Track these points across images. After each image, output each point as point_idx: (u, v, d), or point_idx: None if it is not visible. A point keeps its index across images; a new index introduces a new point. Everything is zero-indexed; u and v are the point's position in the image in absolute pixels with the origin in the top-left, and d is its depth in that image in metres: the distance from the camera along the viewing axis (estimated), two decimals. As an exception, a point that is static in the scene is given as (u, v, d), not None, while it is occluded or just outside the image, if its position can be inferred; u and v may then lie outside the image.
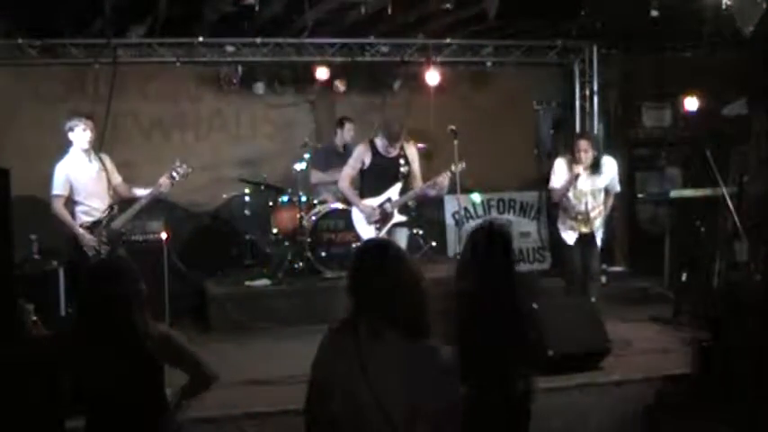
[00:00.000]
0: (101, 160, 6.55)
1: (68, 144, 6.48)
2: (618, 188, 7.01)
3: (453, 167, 6.64)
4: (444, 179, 6.63)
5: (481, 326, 3.46)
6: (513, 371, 3.56)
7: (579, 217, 6.81)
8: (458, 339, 3.34)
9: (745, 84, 8.96)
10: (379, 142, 6.74)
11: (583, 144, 6.76)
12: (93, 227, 6.34)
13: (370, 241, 3.17)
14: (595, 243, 6.92)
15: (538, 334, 3.87)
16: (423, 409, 2.80)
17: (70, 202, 6.34)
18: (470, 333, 3.42)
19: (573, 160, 6.76)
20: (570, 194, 6.81)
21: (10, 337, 3.52)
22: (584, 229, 6.84)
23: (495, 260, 3.62)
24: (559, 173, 6.87)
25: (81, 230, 6.28)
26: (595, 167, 6.76)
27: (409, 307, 2.87)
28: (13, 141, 8.22)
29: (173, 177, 6.44)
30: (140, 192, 6.56)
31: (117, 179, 6.61)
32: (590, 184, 6.79)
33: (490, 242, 3.65)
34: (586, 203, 6.77)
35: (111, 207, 6.47)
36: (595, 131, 9.60)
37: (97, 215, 6.40)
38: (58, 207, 6.29)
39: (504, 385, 3.49)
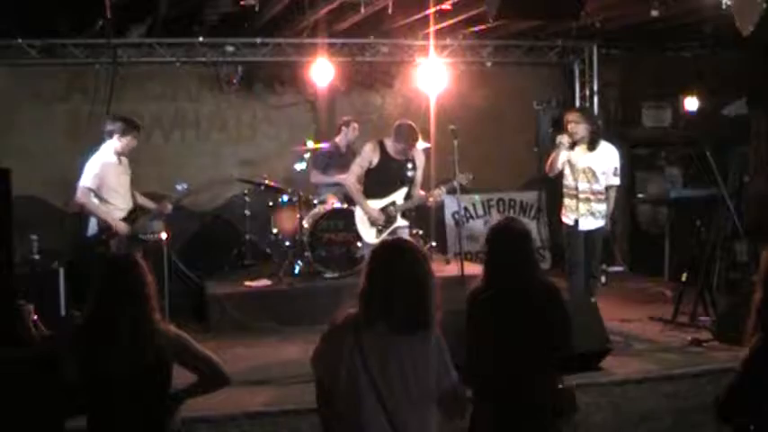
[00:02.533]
0: (126, 165, 6.70)
1: (101, 140, 6.61)
2: (616, 181, 6.73)
3: (461, 179, 6.67)
4: (440, 194, 6.88)
5: (514, 326, 3.42)
6: (551, 369, 3.52)
7: (573, 194, 6.58)
8: (486, 340, 3.33)
9: (745, 84, 8.97)
10: (389, 144, 6.72)
11: (569, 116, 6.67)
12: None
13: (390, 242, 3.20)
14: (596, 238, 6.69)
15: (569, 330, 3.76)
16: (427, 395, 2.88)
17: (93, 197, 6.44)
18: (502, 333, 3.40)
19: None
20: (567, 171, 6.64)
21: (10, 338, 3.52)
22: (583, 214, 6.58)
23: (516, 259, 3.56)
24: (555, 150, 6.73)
25: (111, 217, 6.40)
26: (591, 145, 6.61)
27: (427, 304, 2.90)
28: (13, 141, 8.23)
29: (179, 196, 6.94)
30: (141, 200, 6.82)
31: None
32: (585, 161, 6.59)
33: (508, 240, 3.59)
34: (578, 182, 6.58)
35: (134, 209, 6.64)
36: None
37: (119, 214, 6.50)
38: (86, 198, 6.39)
39: (542, 385, 3.47)
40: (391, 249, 3.07)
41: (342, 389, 2.88)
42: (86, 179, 6.42)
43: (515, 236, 3.60)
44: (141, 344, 3.20)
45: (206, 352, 3.41)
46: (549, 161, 6.68)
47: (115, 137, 6.51)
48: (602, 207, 6.67)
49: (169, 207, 6.87)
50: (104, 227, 6.45)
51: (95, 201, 6.43)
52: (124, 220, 6.54)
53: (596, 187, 6.65)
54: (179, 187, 6.99)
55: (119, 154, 6.56)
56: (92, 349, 3.21)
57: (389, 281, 2.90)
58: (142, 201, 6.86)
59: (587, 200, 6.63)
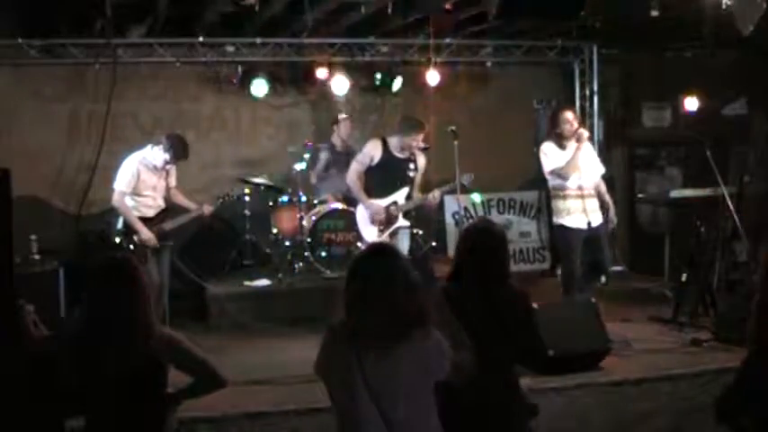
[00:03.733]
0: (168, 169, 6.69)
1: (144, 143, 6.69)
2: (602, 168, 6.82)
3: (463, 179, 6.66)
4: (437, 197, 6.79)
5: (476, 325, 3.45)
6: (510, 370, 3.56)
7: (579, 194, 6.55)
8: (452, 339, 3.34)
9: (745, 84, 8.97)
10: (393, 141, 6.71)
11: (569, 114, 6.62)
12: (144, 222, 6.51)
13: (364, 251, 3.20)
14: (600, 235, 6.65)
15: (537, 334, 3.89)
16: (428, 396, 2.90)
17: (127, 198, 6.49)
18: (466, 332, 3.41)
19: (560, 139, 6.58)
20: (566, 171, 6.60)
21: (10, 338, 3.52)
22: (593, 211, 6.58)
23: (489, 259, 3.60)
24: (552, 154, 6.62)
25: (142, 225, 6.43)
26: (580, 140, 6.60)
27: (398, 309, 2.90)
28: (13, 141, 8.23)
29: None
30: (181, 200, 6.86)
31: (172, 183, 6.79)
32: (582, 158, 6.57)
33: (484, 241, 3.64)
34: (581, 180, 6.57)
35: (165, 208, 6.65)
36: (595, 131, 9.62)
37: (148, 212, 6.53)
38: (121, 201, 6.45)
39: (501, 384, 3.49)
40: (367, 258, 3.07)
41: (341, 395, 2.89)
42: (120, 182, 6.45)
43: (495, 237, 3.66)
44: (136, 346, 3.19)
45: (202, 355, 3.40)
46: (573, 163, 6.51)
47: (158, 147, 6.53)
48: (597, 201, 6.74)
49: (209, 209, 6.88)
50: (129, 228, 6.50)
51: (130, 202, 6.47)
52: (152, 218, 6.54)
53: (592, 183, 6.72)
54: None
55: (155, 161, 6.57)
56: (87, 350, 3.20)
57: (369, 290, 2.90)
58: (183, 201, 6.87)
59: (591, 195, 6.66)
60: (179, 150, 6.55)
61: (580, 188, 6.60)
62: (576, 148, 6.52)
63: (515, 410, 3.52)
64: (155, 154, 6.52)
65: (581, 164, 6.59)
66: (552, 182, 6.72)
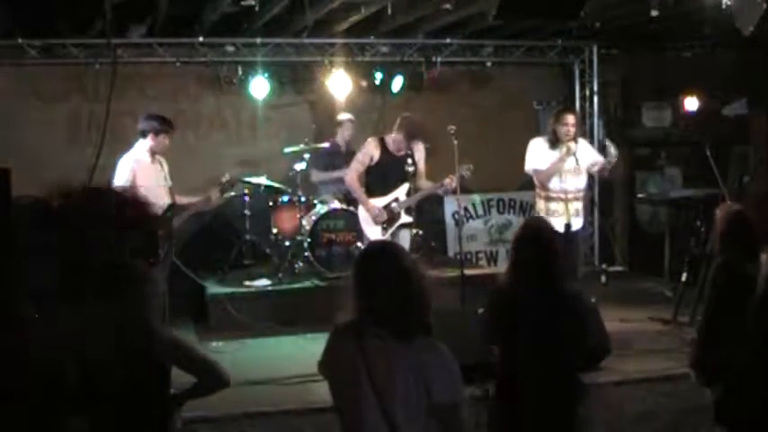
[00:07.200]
0: (161, 162, 6.66)
1: (135, 138, 6.63)
2: (601, 157, 6.80)
3: (462, 170, 6.63)
4: (452, 181, 6.62)
5: (541, 325, 3.43)
6: (572, 369, 3.55)
7: (562, 197, 6.57)
8: (510, 340, 3.33)
9: (745, 84, 8.97)
10: (390, 140, 6.71)
11: (571, 118, 6.57)
12: None
13: (372, 244, 3.16)
14: (576, 240, 6.75)
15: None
16: (429, 406, 2.81)
17: None
18: (527, 332, 3.40)
19: (555, 139, 6.57)
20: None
21: (10, 338, 3.52)
22: (566, 218, 6.57)
23: (552, 259, 3.56)
24: (537, 153, 6.64)
25: None
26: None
27: (414, 307, 2.88)
28: (13, 141, 8.22)
29: (224, 190, 6.80)
30: (182, 199, 6.75)
31: (168, 183, 6.73)
32: (570, 162, 6.57)
33: (542, 241, 3.59)
34: (566, 183, 6.56)
35: (170, 206, 6.59)
36: (595, 131, 9.62)
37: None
38: None
39: (561, 385, 3.49)
40: (370, 256, 3.05)
41: (345, 394, 2.88)
42: (119, 180, 6.41)
43: (548, 236, 3.63)
44: (137, 347, 3.18)
45: (204, 355, 3.39)
46: (551, 171, 6.55)
47: (149, 136, 6.49)
48: (581, 205, 6.78)
49: (214, 197, 6.74)
50: None
51: None
52: (160, 216, 6.50)
53: (581, 185, 6.71)
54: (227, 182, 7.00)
55: (153, 153, 6.53)
56: (87, 354, 3.19)
57: (373, 288, 2.88)
58: (183, 199, 6.79)
59: (575, 199, 6.67)
60: (164, 125, 6.53)
61: (564, 191, 6.59)
62: (564, 154, 6.50)
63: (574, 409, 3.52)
64: (147, 141, 6.49)
65: (566, 169, 6.56)
66: (535, 180, 6.78)
